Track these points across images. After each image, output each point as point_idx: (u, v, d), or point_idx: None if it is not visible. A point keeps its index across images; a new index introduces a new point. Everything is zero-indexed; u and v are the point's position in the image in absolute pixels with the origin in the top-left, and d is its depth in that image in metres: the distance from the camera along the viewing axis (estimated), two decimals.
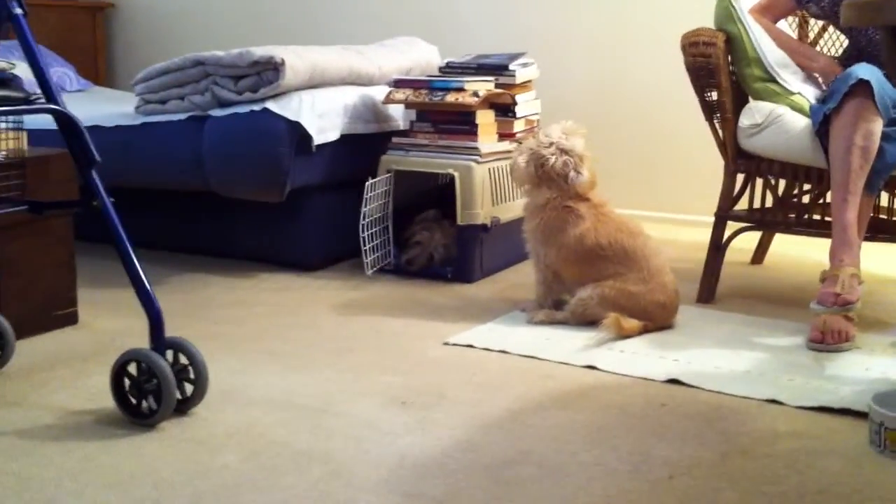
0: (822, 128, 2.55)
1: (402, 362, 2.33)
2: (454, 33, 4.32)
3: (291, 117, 2.96)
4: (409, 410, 2.01)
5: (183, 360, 1.98)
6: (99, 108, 3.56)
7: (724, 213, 2.83)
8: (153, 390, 1.90)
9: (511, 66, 3.26)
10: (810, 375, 2.22)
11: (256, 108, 3.00)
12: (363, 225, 3.02)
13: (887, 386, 2.12)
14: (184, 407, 1.98)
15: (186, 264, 3.28)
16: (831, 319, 2.40)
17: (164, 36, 5.15)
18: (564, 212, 2.61)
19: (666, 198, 4.02)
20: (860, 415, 1.95)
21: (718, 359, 2.34)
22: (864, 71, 2.46)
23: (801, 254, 3.39)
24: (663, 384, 2.18)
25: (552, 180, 2.62)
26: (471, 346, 2.45)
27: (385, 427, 1.92)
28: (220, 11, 5.02)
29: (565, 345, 2.45)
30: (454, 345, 2.46)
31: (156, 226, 3.41)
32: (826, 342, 2.38)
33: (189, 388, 1.99)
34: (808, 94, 2.76)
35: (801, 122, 2.67)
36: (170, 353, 1.97)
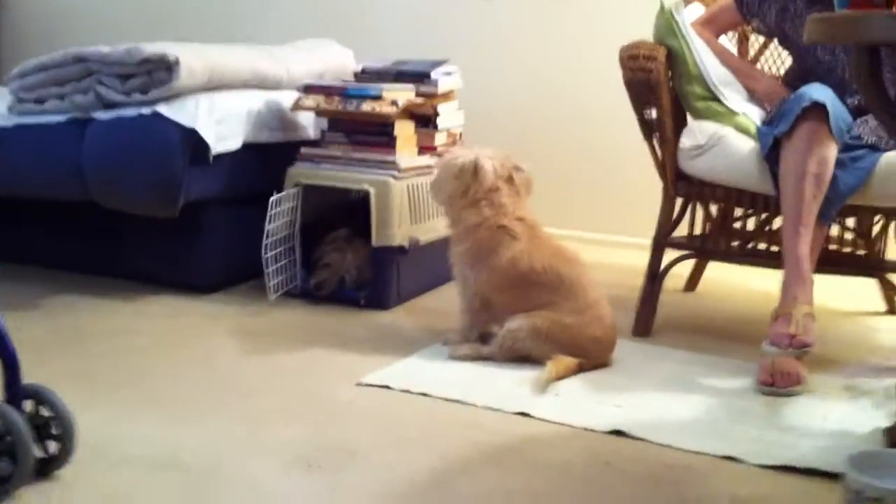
0: (772, 152, 2.35)
1: (308, 409, 2.03)
2: (370, 37, 4.02)
3: (186, 123, 2.63)
4: (315, 474, 1.71)
5: (45, 411, 1.65)
6: None
7: (663, 239, 2.62)
8: (6, 450, 1.56)
9: (433, 75, 2.99)
10: (765, 426, 2.01)
11: (146, 111, 2.66)
12: (266, 244, 2.70)
13: (847, 438, 1.94)
14: (46, 469, 1.65)
15: (62, 284, 2.89)
16: (781, 360, 2.21)
17: (56, 32, 4.71)
18: (499, 232, 2.36)
19: (599, 219, 3.79)
20: (827, 475, 1.74)
21: (663, 404, 2.11)
22: (818, 92, 2.27)
23: (735, 281, 3.21)
24: (606, 436, 1.93)
25: (484, 197, 2.36)
26: (387, 386, 2.16)
27: (287, 496, 1.63)
28: (120, 7, 4.62)
29: (494, 386, 2.19)
30: (368, 385, 2.17)
31: (29, 239, 3.04)
32: (777, 385, 2.19)
33: (53, 445, 1.66)
34: (752, 114, 2.58)
35: (746, 145, 2.48)
36: (28, 404, 1.64)
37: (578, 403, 2.10)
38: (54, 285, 2.87)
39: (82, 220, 2.93)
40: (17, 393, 1.61)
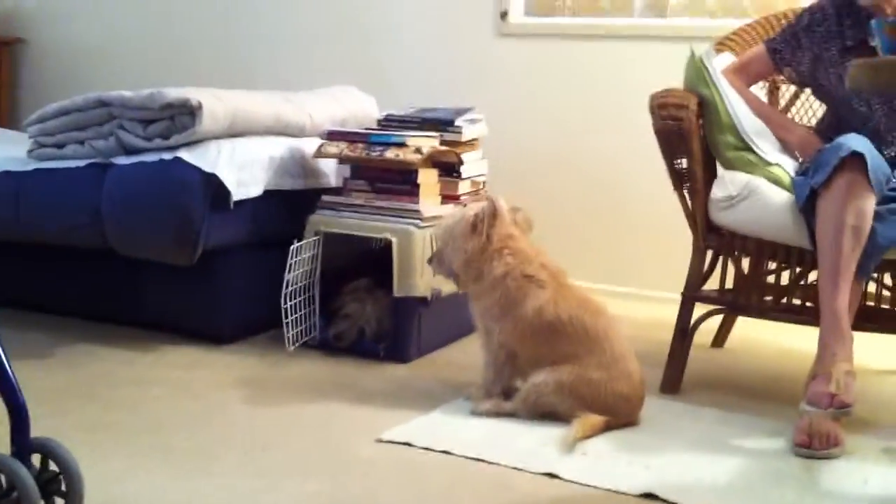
0: (808, 203, 2.28)
1: (326, 464, 1.95)
2: (391, 84, 3.99)
3: (207, 168, 2.59)
4: None
5: (53, 467, 1.58)
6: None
7: (693, 293, 2.54)
8: None
9: (457, 122, 2.95)
10: (803, 489, 1.92)
11: (167, 156, 2.62)
12: (286, 293, 2.64)
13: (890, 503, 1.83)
14: None
15: (79, 332, 2.83)
16: (819, 421, 2.11)
17: (78, 75, 4.71)
18: (525, 281, 2.29)
19: (625, 271, 3.70)
20: None
21: (695, 466, 2.02)
22: (857, 143, 2.21)
23: (765, 337, 3.12)
24: (637, 499, 1.84)
25: (505, 245, 2.30)
26: (408, 443, 2.08)
27: None
28: (143, 51, 4.62)
29: (518, 443, 2.10)
30: (389, 442, 2.09)
31: (47, 286, 2.98)
32: (814, 447, 2.09)
33: (60, 502, 1.58)
34: (786, 165, 2.51)
35: (779, 196, 2.41)
36: (36, 459, 1.57)
37: (607, 464, 2.01)
38: (71, 334, 2.81)
39: (101, 268, 2.87)
40: (24, 447, 1.54)
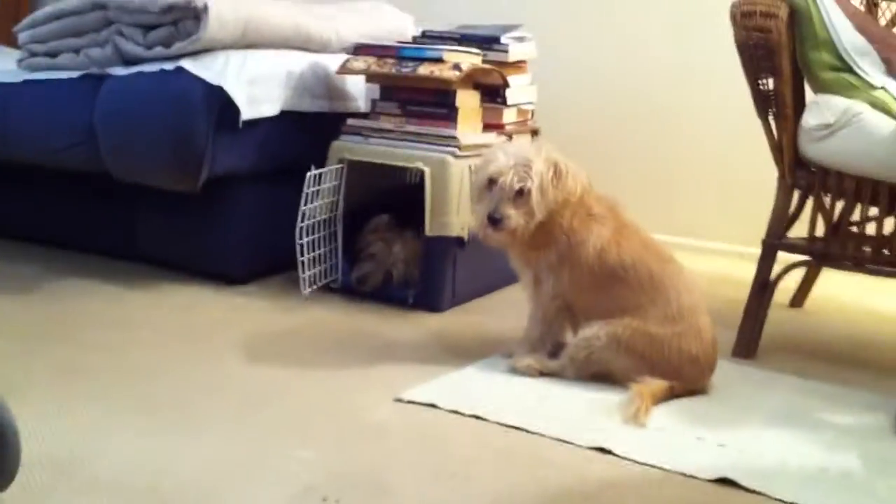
0: None
1: (330, 427, 1.62)
2: (432, 6, 3.60)
3: (212, 80, 2.25)
4: None
5: None
6: None
7: (776, 240, 2.17)
8: None
9: (503, 39, 2.57)
10: None
11: (168, 66, 2.29)
12: (301, 228, 2.31)
13: None
14: None
15: (67, 265, 2.54)
16: None
17: None
18: (588, 220, 1.93)
19: (691, 220, 3.30)
20: None
21: (780, 446, 1.66)
22: None
23: (850, 295, 2.74)
24: (711, 484, 1.49)
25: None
26: (433, 405, 1.74)
27: None
28: None
29: (564, 410, 1.76)
30: (409, 402, 1.75)
31: (34, 212, 2.70)
32: None
33: None
34: (893, 89, 2.12)
35: (885, 125, 2.04)
36: None
37: (671, 440, 1.66)
38: (59, 266, 2.52)
39: (96, 195, 2.57)
40: None
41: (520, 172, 1.88)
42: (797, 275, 2.56)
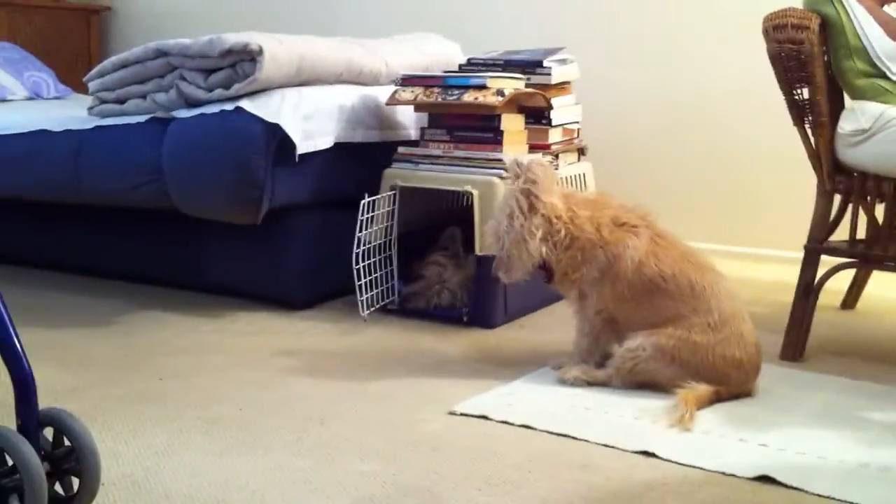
0: None
1: (387, 440, 1.72)
2: (479, 31, 3.71)
3: (270, 118, 2.38)
4: None
5: (67, 442, 1.39)
6: (64, 112, 3.02)
7: (818, 244, 2.21)
8: (15, 487, 1.31)
9: (546, 63, 2.66)
10: None
11: (228, 107, 2.43)
12: (357, 253, 2.42)
13: None
14: None
15: (139, 297, 2.69)
16: None
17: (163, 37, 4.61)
18: (619, 231, 2.01)
19: (738, 229, 3.34)
20: None
21: (821, 445, 1.71)
22: None
23: None
24: (750, 482, 1.55)
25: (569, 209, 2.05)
26: (484, 417, 1.83)
27: None
28: (227, 15, 4.47)
29: (610, 417, 1.83)
30: (462, 415, 1.84)
31: (108, 249, 2.85)
32: None
33: (76, 482, 1.40)
34: None
35: None
36: (48, 433, 1.38)
37: (714, 442, 1.72)
38: (132, 299, 2.67)
39: (165, 229, 2.72)
40: (31, 421, 1.35)
41: (501, 239, 2.04)
42: (846, 277, 2.59)
